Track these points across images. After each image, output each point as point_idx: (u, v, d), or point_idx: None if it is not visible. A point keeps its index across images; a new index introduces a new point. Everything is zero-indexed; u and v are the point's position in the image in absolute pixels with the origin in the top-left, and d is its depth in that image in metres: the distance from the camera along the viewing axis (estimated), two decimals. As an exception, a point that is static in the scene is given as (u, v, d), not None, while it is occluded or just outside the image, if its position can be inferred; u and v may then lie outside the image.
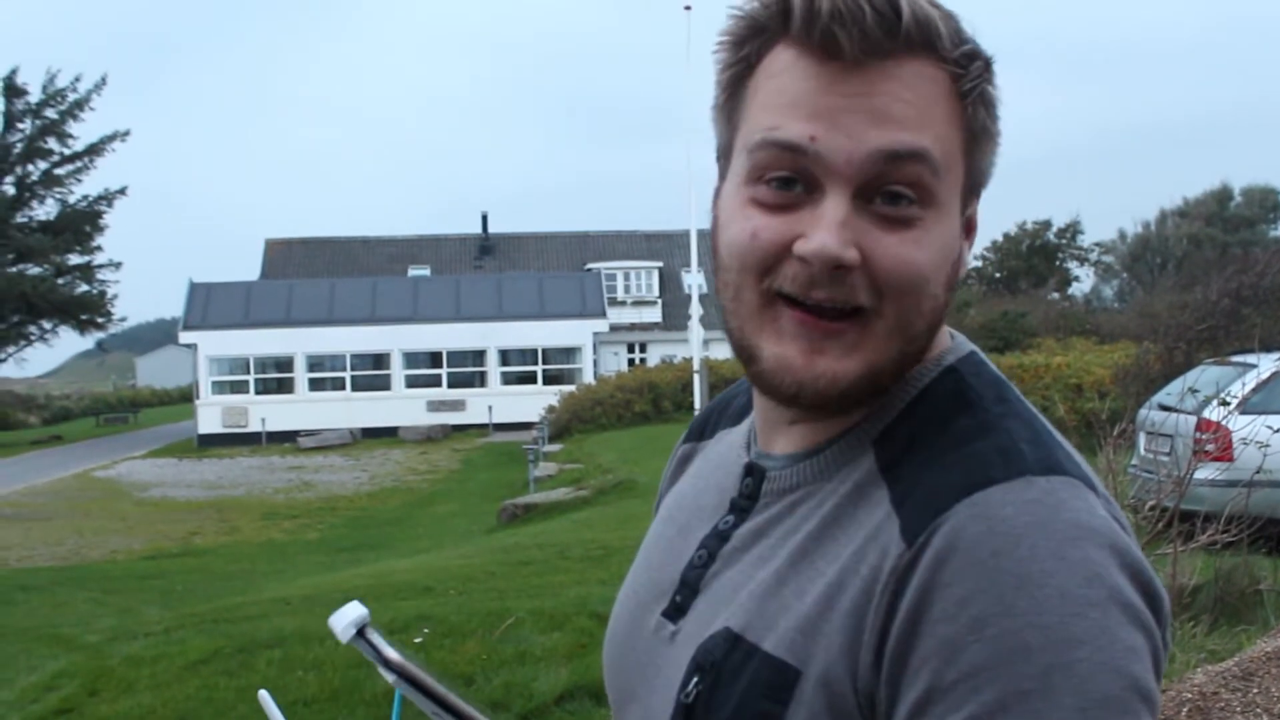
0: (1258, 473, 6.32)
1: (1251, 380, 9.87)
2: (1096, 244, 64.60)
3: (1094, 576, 0.89)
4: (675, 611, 1.13)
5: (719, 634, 1.04)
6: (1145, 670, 0.89)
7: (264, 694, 1.49)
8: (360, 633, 1.26)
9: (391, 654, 1.26)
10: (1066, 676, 0.86)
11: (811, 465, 1.08)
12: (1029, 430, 1.00)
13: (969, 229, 1.08)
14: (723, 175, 1.08)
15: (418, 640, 7.45)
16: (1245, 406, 8.71)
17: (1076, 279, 63.86)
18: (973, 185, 1.05)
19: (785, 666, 0.97)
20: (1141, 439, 10.71)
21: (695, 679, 1.03)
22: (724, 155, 1.08)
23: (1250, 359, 10.75)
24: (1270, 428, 6.67)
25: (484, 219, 59.04)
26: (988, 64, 1.01)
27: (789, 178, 0.99)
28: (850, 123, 0.96)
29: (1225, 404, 6.91)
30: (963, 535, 0.91)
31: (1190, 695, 4.50)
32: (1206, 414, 9.33)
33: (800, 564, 1.02)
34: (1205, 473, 7.07)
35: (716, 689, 1.01)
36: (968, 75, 0.99)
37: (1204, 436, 8.86)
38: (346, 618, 1.27)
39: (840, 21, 0.94)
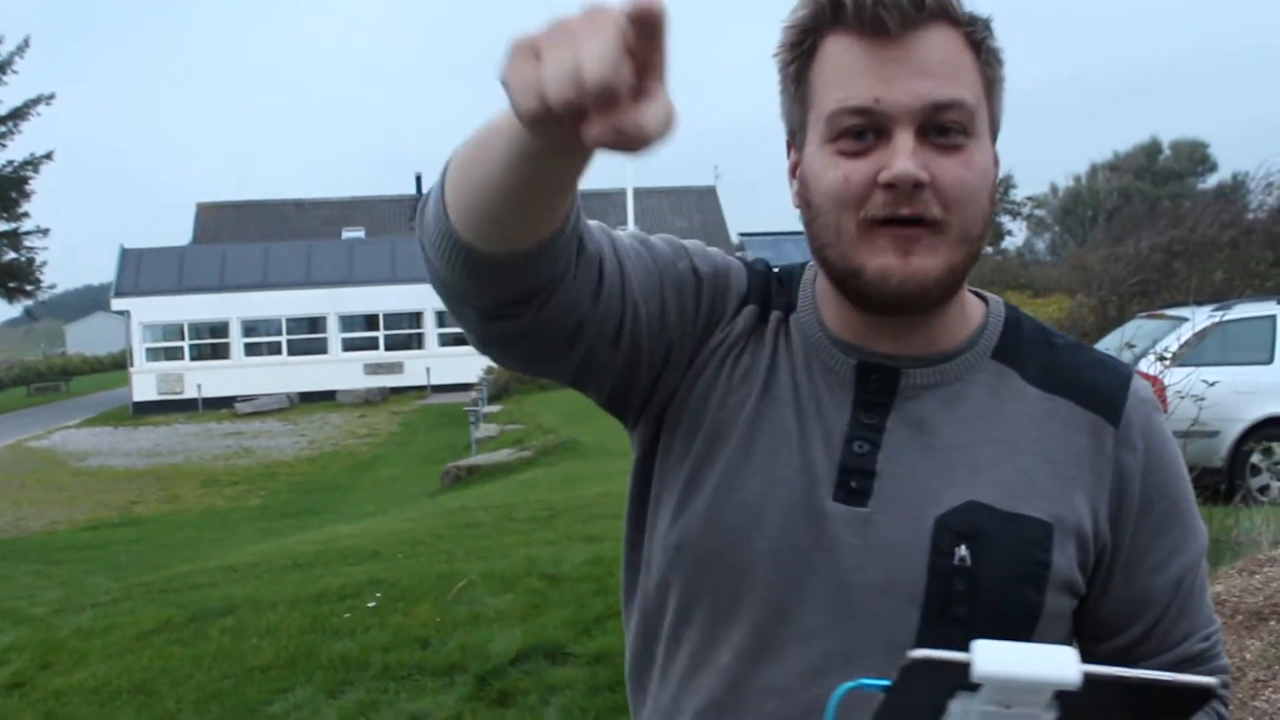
0: (1193, 425, 6.48)
1: (1186, 333, 10.06)
2: (1029, 198, 65.17)
3: None
4: (852, 495, 1.31)
5: (963, 508, 1.28)
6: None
7: None
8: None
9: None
10: (1189, 488, 1.39)
11: (950, 368, 1.36)
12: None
13: (994, 163, 1.35)
14: (800, 148, 1.34)
15: (371, 605, 7.48)
16: (1179, 360, 8.87)
17: (1009, 233, 64.41)
18: (994, 126, 1.33)
19: (1039, 523, 1.28)
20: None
21: (962, 546, 1.27)
22: (800, 131, 1.34)
23: (1183, 312, 10.96)
24: (1205, 381, 6.81)
25: (418, 180, 58.63)
26: (987, 23, 1.29)
27: (862, 130, 1.26)
28: (903, 81, 1.24)
29: (1164, 359, 7.03)
30: (1141, 411, 1.35)
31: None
32: (1141, 367, 9.52)
33: (999, 445, 1.32)
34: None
35: (989, 550, 1.26)
36: (976, 32, 1.28)
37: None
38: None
39: (883, 5, 1.23)
